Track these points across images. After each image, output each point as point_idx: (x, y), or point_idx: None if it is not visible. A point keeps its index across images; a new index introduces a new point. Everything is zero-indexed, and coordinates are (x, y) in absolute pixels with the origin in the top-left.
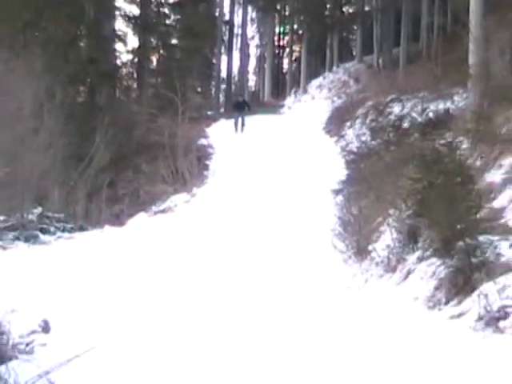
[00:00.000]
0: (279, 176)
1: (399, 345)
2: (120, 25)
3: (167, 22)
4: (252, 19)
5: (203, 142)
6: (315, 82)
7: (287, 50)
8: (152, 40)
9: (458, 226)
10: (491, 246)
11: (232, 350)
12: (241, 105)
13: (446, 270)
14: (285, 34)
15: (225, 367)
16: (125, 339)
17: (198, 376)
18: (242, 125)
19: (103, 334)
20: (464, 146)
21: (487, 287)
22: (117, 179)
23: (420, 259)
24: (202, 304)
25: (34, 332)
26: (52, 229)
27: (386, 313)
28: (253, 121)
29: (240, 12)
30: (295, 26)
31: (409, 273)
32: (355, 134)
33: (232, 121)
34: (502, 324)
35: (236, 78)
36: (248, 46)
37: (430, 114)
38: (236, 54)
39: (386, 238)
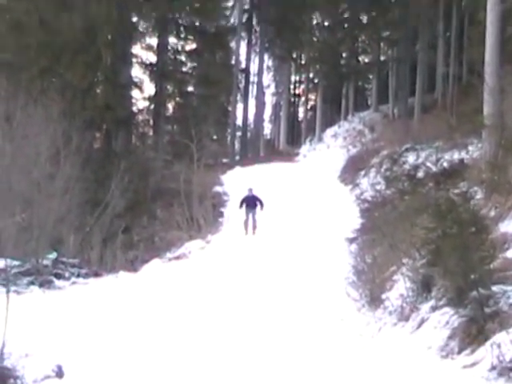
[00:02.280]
0: (294, 222)
1: None
2: (137, 72)
3: (184, 69)
4: (268, 67)
5: (218, 189)
6: (330, 131)
7: (303, 98)
8: (168, 87)
9: (472, 276)
10: (504, 296)
11: None
12: (251, 201)
13: (460, 319)
14: (300, 82)
15: None
16: None
17: None
18: (254, 227)
19: (117, 380)
20: (478, 195)
21: (500, 337)
22: (132, 225)
23: (433, 308)
24: (215, 355)
25: (47, 377)
26: (67, 274)
27: (400, 361)
28: (270, 168)
29: (256, 60)
30: (311, 75)
31: (422, 322)
32: (370, 183)
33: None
34: None
35: (252, 126)
36: (264, 93)
37: (445, 164)
38: (252, 102)
39: (400, 287)
